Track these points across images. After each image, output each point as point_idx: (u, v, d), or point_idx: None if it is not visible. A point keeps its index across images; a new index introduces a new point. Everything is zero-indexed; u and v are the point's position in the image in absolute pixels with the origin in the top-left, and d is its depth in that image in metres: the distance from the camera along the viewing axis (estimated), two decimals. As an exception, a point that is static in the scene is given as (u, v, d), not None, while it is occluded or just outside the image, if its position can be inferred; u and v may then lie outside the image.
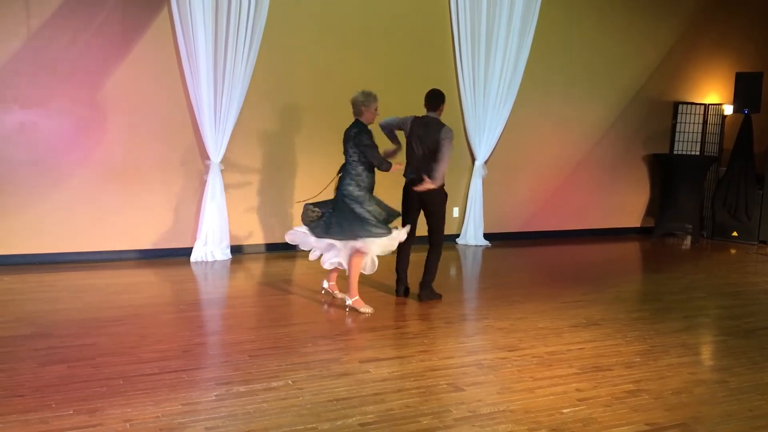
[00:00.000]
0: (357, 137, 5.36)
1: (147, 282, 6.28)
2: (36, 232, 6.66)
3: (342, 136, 5.51)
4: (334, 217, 5.40)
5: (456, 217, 8.89)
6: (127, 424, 3.31)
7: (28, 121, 6.55)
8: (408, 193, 5.77)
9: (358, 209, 5.37)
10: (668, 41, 9.93)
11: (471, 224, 8.78)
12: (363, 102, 5.41)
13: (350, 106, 5.49)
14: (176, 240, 7.29)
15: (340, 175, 5.53)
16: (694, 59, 10.19)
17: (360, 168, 5.41)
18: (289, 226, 7.71)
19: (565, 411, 3.67)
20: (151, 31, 6.92)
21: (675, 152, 10.15)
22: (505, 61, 8.60)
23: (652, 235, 10.06)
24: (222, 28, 6.93)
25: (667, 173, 9.98)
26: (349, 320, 5.29)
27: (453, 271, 7.60)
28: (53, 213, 6.71)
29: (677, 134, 10.19)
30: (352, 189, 5.40)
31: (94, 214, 6.88)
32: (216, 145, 7.14)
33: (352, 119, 5.54)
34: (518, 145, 9.07)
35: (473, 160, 8.80)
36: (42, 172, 6.63)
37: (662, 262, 8.49)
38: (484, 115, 8.65)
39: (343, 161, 5.53)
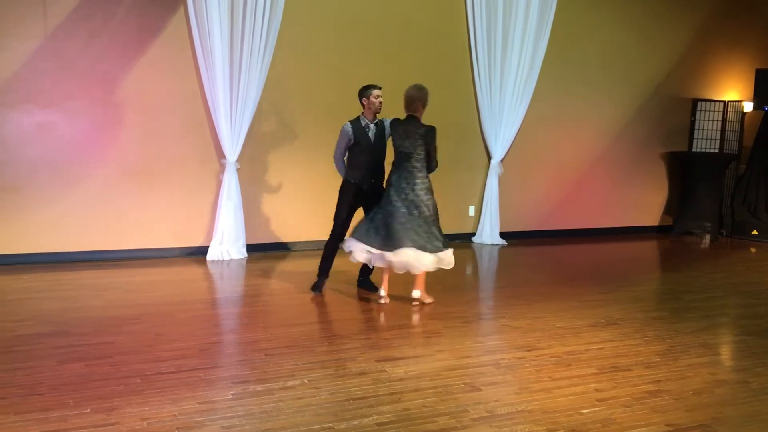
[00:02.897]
0: (432, 135, 5.41)
1: (163, 281, 6.30)
2: (54, 230, 6.71)
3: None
4: (418, 221, 5.36)
5: (472, 216, 8.85)
6: (144, 423, 3.31)
7: (46, 121, 6.59)
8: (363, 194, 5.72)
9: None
10: (686, 37, 9.82)
11: (487, 223, 8.73)
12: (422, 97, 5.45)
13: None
14: (193, 239, 7.31)
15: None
16: (712, 56, 10.08)
17: (423, 167, 5.46)
18: (304, 224, 7.75)
19: (584, 411, 3.63)
20: (167, 30, 6.94)
21: (694, 150, 10.04)
22: (522, 59, 8.54)
23: (671, 233, 9.96)
24: (238, 28, 6.94)
25: (686, 171, 9.87)
26: (365, 319, 5.28)
27: (469, 270, 7.56)
28: (71, 212, 6.75)
29: (696, 132, 10.08)
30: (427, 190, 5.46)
31: (111, 212, 6.91)
32: (232, 144, 7.15)
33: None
34: (534, 143, 9.01)
35: (489, 158, 8.75)
36: (60, 172, 6.67)
37: (681, 261, 8.41)
38: (500, 114, 8.60)
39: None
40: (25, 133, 6.53)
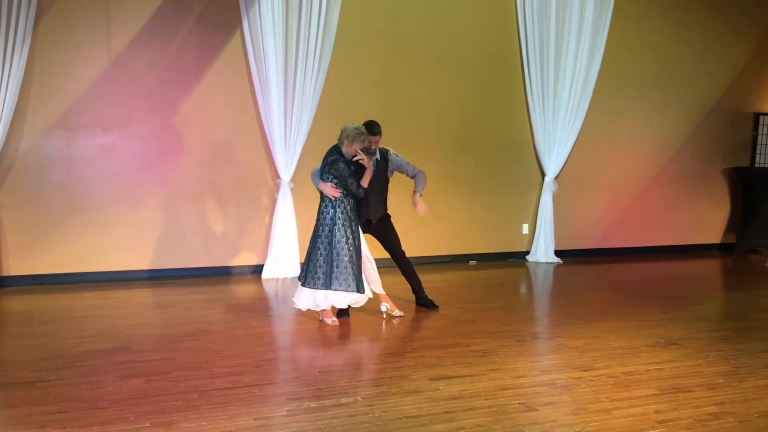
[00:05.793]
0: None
1: (220, 298, 6.42)
2: (116, 250, 6.93)
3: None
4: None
5: (525, 234, 8.75)
6: (202, 438, 3.37)
7: (109, 143, 6.84)
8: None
9: None
10: (746, 50, 9.55)
11: (541, 241, 8.62)
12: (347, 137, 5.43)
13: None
14: (248, 257, 7.44)
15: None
16: (775, 68, 9.78)
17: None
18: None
19: (643, 433, 3.54)
20: (224, 55, 7.14)
21: (756, 165, 9.73)
22: (575, 74, 8.46)
23: (734, 251, 9.65)
24: (292, 51, 7.10)
25: (749, 187, 9.56)
26: (419, 337, 5.27)
27: (524, 289, 7.47)
28: (132, 232, 6.96)
29: (758, 146, 9.77)
30: None
31: (170, 232, 7.10)
32: (286, 164, 7.28)
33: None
34: (590, 159, 8.88)
35: (543, 175, 8.66)
36: (122, 193, 6.90)
37: (745, 279, 8.12)
38: (554, 130, 8.51)
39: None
40: (90, 156, 6.78)
